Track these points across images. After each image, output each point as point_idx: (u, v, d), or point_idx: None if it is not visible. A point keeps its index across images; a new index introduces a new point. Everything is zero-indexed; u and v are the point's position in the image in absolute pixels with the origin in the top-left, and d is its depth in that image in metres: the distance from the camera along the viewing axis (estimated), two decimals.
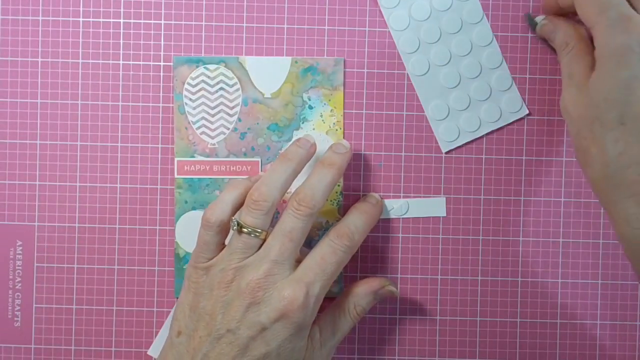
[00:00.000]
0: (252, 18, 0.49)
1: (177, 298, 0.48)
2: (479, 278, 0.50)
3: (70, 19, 0.49)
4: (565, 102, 0.44)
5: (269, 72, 0.49)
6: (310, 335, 0.44)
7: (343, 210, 0.49)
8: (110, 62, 0.49)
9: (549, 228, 0.50)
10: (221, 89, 0.49)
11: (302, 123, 0.49)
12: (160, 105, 0.49)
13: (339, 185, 0.49)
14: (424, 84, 0.49)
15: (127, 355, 0.50)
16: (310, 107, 0.49)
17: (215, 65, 0.49)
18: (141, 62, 0.49)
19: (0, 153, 0.49)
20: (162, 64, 0.49)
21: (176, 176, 0.49)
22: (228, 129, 0.49)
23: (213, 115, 0.49)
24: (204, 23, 0.49)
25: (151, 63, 0.49)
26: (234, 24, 0.49)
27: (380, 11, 0.49)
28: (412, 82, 0.49)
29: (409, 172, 0.50)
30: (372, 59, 0.49)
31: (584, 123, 0.42)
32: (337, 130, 0.49)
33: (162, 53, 0.49)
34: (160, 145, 0.49)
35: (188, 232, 0.49)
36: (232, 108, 0.49)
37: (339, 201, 0.49)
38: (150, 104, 0.49)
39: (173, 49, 0.49)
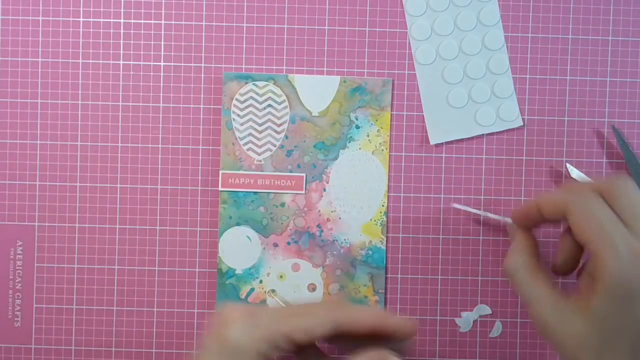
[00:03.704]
0: (251, 20, 0.49)
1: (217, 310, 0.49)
2: (480, 278, 0.50)
3: (71, 19, 0.49)
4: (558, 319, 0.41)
5: (317, 91, 0.49)
6: None
7: (387, 230, 0.49)
8: (111, 62, 0.49)
9: (549, 228, 0.50)
10: (269, 105, 0.49)
11: (349, 142, 0.49)
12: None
13: (383, 205, 0.49)
14: (427, 74, 0.49)
15: (127, 355, 0.50)
16: (357, 127, 0.49)
17: (264, 82, 0.49)
18: (141, 63, 0.49)
19: (0, 153, 0.49)
20: (162, 64, 0.49)
21: (220, 189, 0.49)
22: (275, 145, 0.49)
23: (260, 132, 0.49)
24: (204, 23, 0.49)
25: (151, 63, 0.49)
26: (235, 24, 0.49)
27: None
28: (415, 70, 0.49)
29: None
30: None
31: (582, 347, 0.40)
32: (382, 150, 0.49)
33: (162, 53, 0.49)
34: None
35: (231, 247, 0.49)
36: (279, 125, 0.49)
37: (382, 221, 0.49)
38: (151, 104, 0.49)
39: (173, 49, 0.49)
